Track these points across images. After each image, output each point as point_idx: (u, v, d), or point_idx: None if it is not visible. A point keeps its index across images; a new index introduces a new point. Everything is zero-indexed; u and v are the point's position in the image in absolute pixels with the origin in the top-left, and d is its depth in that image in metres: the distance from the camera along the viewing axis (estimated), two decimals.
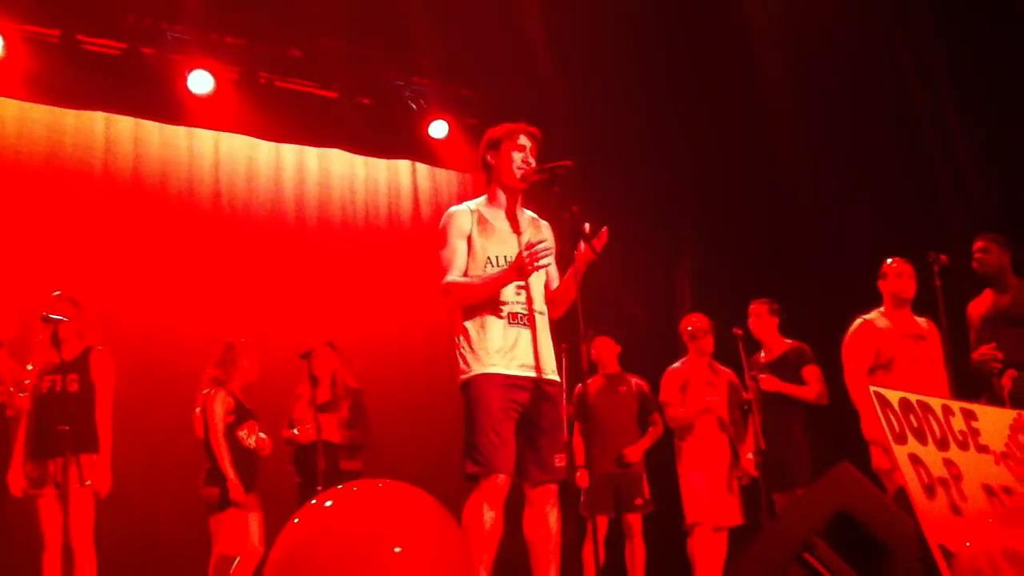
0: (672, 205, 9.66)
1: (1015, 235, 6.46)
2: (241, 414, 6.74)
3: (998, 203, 7.57)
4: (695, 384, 7.33)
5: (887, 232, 7.66)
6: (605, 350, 7.75)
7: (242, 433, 6.69)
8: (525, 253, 4.28)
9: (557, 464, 4.51)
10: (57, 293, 6.26)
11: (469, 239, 4.55)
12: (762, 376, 7.05)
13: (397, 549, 2.45)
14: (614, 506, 7.42)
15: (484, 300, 4.47)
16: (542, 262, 4.34)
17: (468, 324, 4.51)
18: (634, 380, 7.77)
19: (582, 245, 4.36)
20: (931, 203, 7.90)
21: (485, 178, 4.74)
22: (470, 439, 4.39)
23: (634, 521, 7.45)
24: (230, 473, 6.49)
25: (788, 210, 8.57)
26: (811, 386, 7.07)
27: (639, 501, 7.46)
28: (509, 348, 4.45)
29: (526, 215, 4.75)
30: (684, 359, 7.55)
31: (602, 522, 7.24)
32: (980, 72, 7.74)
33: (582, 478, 7.39)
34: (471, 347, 4.47)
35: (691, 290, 9.57)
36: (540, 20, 8.30)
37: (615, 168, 9.06)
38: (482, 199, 4.71)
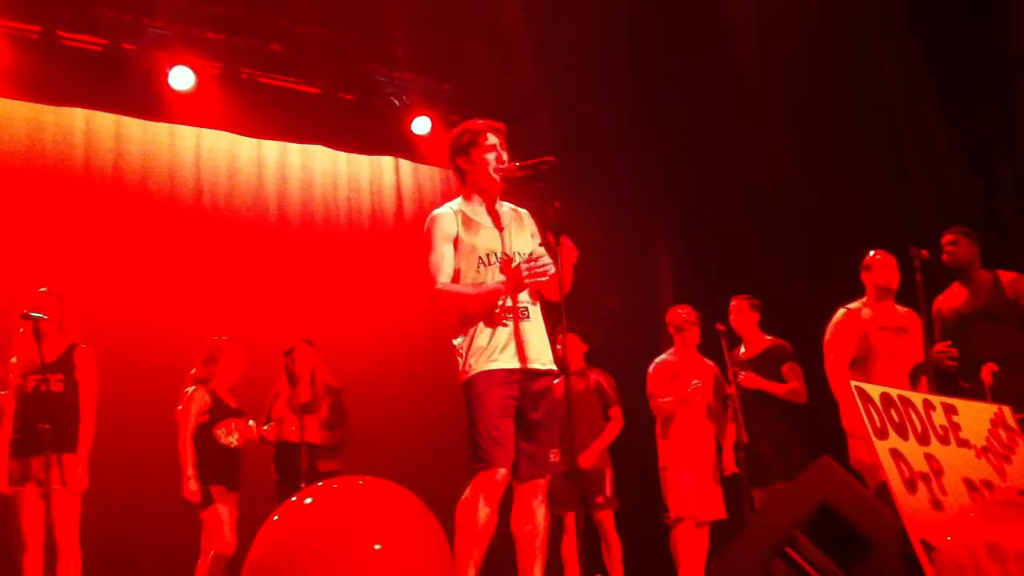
0: (652, 197, 9.67)
1: (992, 230, 6.50)
2: (218, 412, 6.72)
3: (975, 198, 7.60)
4: (684, 376, 7.32)
5: (866, 226, 7.69)
6: (571, 347, 7.67)
7: (219, 432, 6.68)
8: (524, 268, 4.31)
9: (552, 459, 4.52)
10: (43, 289, 6.22)
11: (457, 240, 4.54)
12: (743, 373, 7.07)
13: (377, 546, 2.44)
14: (580, 503, 7.40)
15: (477, 309, 4.47)
16: (540, 279, 4.35)
17: (464, 324, 4.51)
18: (593, 375, 7.70)
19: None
20: (909, 198, 7.93)
21: (459, 180, 4.73)
22: (474, 438, 4.39)
23: (604, 518, 7.42)
24: (188, 471, 6.50)
25: (769, 203, 8.59)
26: (790, 383, 7.11)
27: (600, 499, 7.40)
28: (504, 343, 4.45)
29: (506, 208, 4.73)
30: (672, 351, 7.55)
31: (571, 518, 7.19)
32: (958, 68, 7.76)
33: None
34: (469, 346, 4.47)
35: (672, 283, 9.58)
36: (521, 14, 8.29)
37: (596, 160, 9.07)
38: (460, 199, 4.70)
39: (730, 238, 8.88)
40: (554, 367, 4.60)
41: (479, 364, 4.42)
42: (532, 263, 4.32)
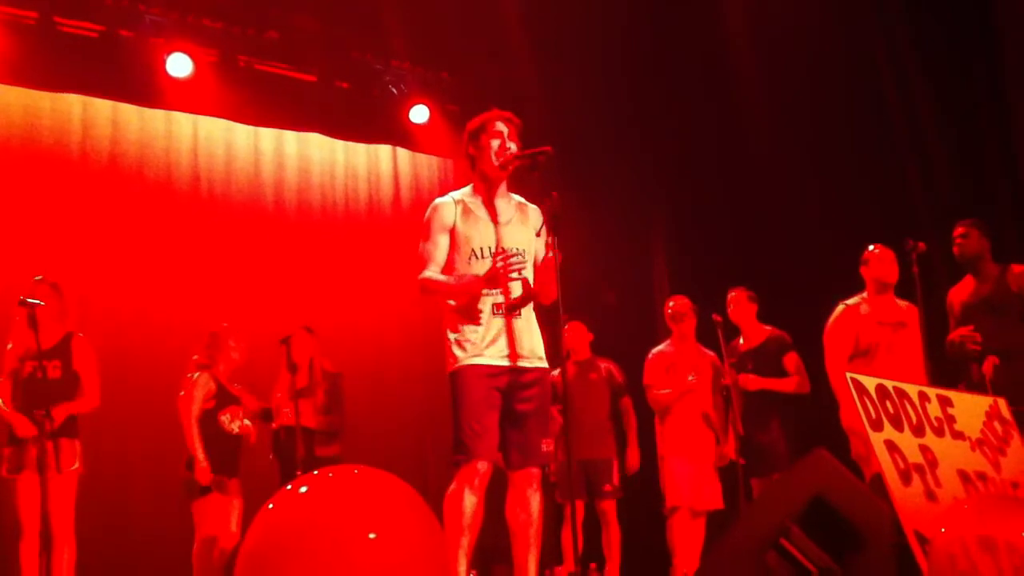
0: (648, 188, 9.66)
1: (986, 223, 6.49)
2: (223, 399, 6.70)
3: (968, 191, 7.59)
4: (680, 367, 7.32)
5: (861, 219, 7.68)
6: (577, 336, 7.72)
7: (224, 418, 6.66)
8: (499, 263, 4.34)
9: (543, 449, 4.54)
10: (38, 278, 6.21)
11: (453, 231, 4.57)
12: (742, 376, 7.07)
13: (371, 535, 2.45)
14: (587, 491, 7.44)
15: (458, 300, 4.51)
16: (514, 275, 4.39)
17: (454, 315, 4.54)
18: (604, 365, 7.73)
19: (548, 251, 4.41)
20: (905, 191, 7.91)
21: (471, 168, 4.75)
22: (456, 430, 4.43)
23: (607, 507, 7.46)
24: (199, 454, 6.46)
25: (764, 194, 8.57)
26: (791, 376, 7.12)
27: (608, 488, 7.45)
28: (493, 338, 4.47)
29: (512, 201, 4.73)
30: (668, 341, 7.56)
31: (578, 507, 7.23)
32: (951, 61, 7.75)
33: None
34: (457, 339, 4.50)
35: (668, 274, 9.57)
36: (519, 2, 8.27)
37: (593, 151, 9.05)
38: (468, 188, 4.72)
39: (725, 229, 8.86)
40: (544, 363, 4.61)
41: (466, 357, 4.46)
42: (507, 258, 4.35)
